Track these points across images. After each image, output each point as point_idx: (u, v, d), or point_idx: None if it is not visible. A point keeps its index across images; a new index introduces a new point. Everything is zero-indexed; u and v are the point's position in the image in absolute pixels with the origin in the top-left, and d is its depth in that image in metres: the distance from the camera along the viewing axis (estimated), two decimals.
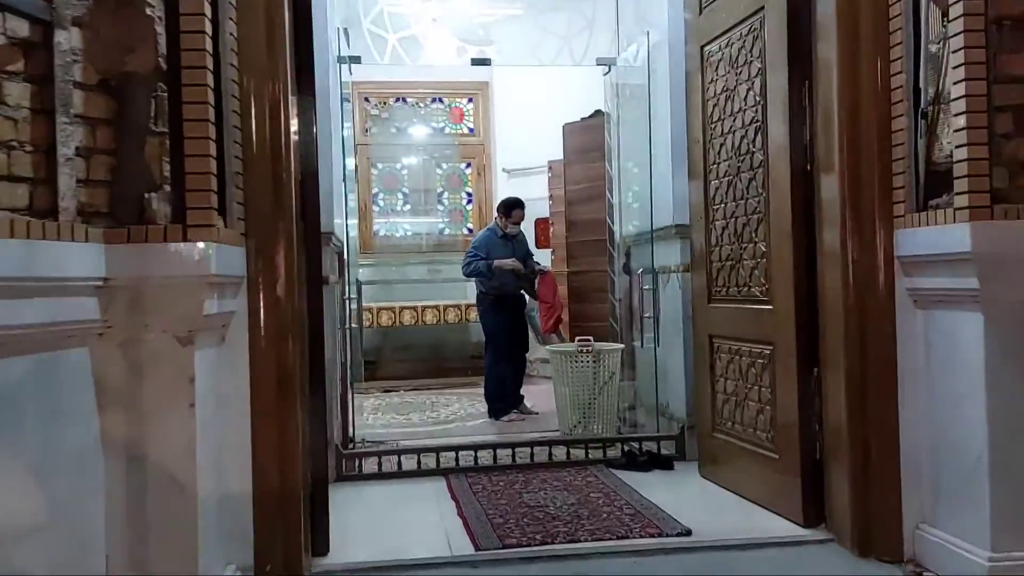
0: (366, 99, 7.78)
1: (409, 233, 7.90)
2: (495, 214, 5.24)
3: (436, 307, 6.78)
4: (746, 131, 3.21)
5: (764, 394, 3.13)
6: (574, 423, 4.40)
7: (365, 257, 7.64)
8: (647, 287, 4.12)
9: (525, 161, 7.35)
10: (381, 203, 7.85)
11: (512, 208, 4.99)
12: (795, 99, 2.87)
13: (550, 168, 6.76)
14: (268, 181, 2.48)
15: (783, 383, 3.00)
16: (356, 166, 7.49)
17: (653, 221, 4.10)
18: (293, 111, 2.55)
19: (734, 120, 3.30)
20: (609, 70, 4.74)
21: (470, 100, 7.96)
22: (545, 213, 6.96)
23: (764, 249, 3.11)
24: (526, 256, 5.22)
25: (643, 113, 4.26)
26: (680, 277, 3.99)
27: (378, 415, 5.58)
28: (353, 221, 4.97)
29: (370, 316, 6.63)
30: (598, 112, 5.16)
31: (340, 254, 4.26)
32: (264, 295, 2.48)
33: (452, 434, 4.84)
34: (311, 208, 2.89)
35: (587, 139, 5.09)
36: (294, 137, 2.56)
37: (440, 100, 7.95)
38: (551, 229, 6.79)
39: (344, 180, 3.97)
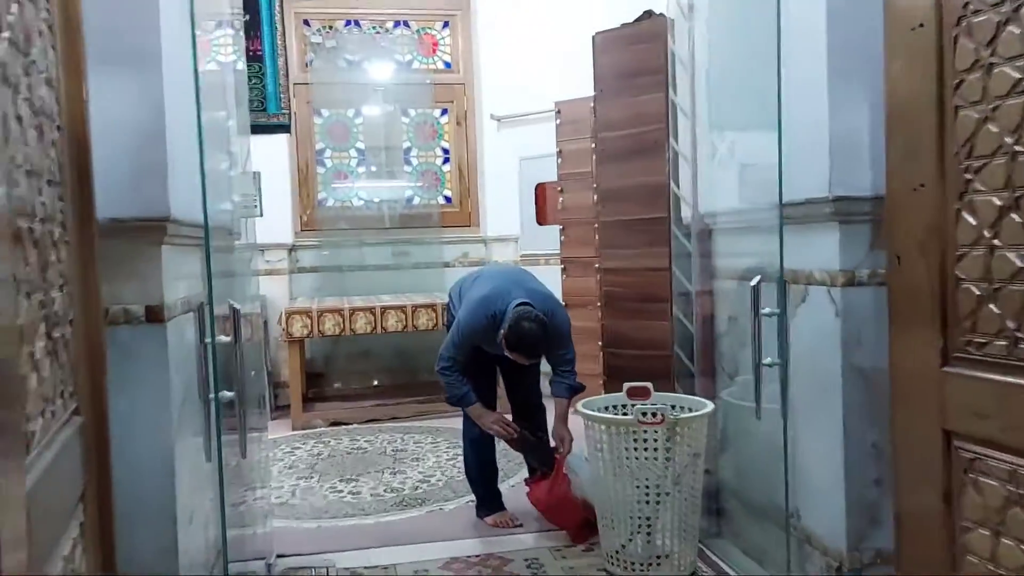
0: (305, 22, 5.79)
1: (367, 203, 5.98)
2: (504, 322, 2.85)
3: (402, 308, 4.88)
4: None
5: None
6: (627, 537, 2.58)
7: (305, 236, 5.73)
8: (767, 311, 2.28)
9: (522, 105, 5.45)
10: (328, 163, 5.90)
11: (516, 348, 2.80)
12: None
13: (559, 112, 4.86)
14: None
15: None
16: (291, 112, 5.54)
17: (783, 190, 2.24)
18: None
19: None
20: None
21: (445, 24, 5.99)
22: (551, 175, 5.08)
23: None
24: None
25: None
26: (837, 295, 2.17)
27: (312, 480, 3.74)
28: (254, 212, 3.07)
29: (308, 322, 4.75)
30: (649, 14, 3.25)
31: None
32: None
33: (423, 534, 3.01)
34: None
35: (633, 56, 3.18)
36: None
37: (406, 25, 5.97)
38: (560, 198, 4.91)
39: (199, 124, 2.02)
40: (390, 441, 4.39)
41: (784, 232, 2.31)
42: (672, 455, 2.48)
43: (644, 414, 2.45)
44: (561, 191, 4.88)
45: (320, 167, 5.87)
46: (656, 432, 2.45)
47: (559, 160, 4.87)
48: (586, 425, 2.62)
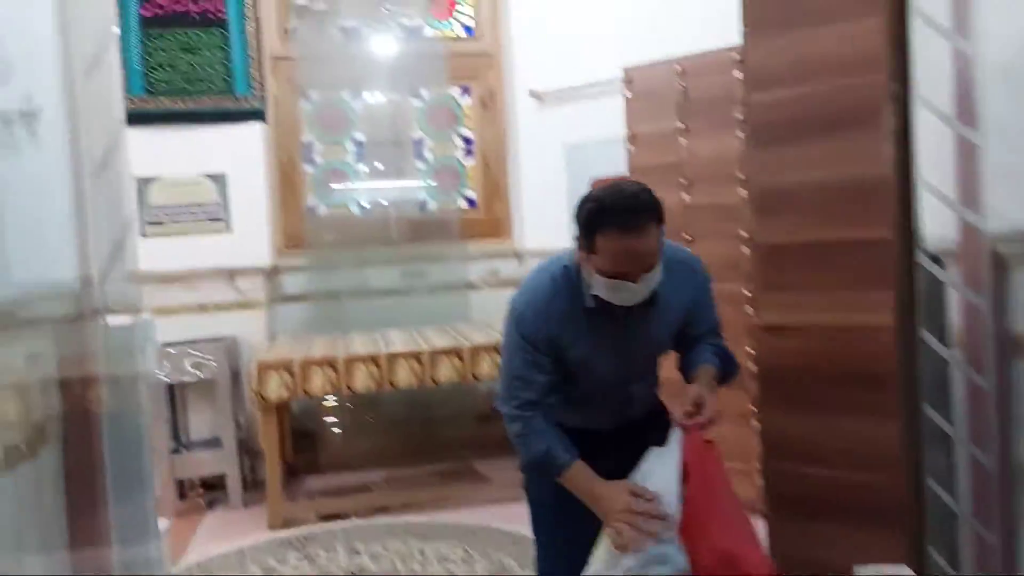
0: None
1: (369, 209, 4.66)
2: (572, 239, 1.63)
3: (416, 356, 3.54)
4: None
5: None
6: None
7: (290, 255, 4.42)
8: None
9: (572, 75, 4.10)
10: (318, 159, 4.58)
11: (596, 226, 1.52)
12: None
13: (629, 82, 3.52)
14: None
15: None
16: (266, 94, 4.24)
17: None
18: None
19: None
20: None
21: None
22: (610, 168, 3.74)
23: None
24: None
25: None
26: None
27: None
28: None
29: (288, 380, 3.41)
30: None
31: None
32: None
33: None
34: None
35: None
36: None
37: None
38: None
39: None
40: (403, 556, 3.05)
41: None
42: None
43: None
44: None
45: (309, 166, 4.54)
46: None
47: (631, 148, 3.52)
48: None
